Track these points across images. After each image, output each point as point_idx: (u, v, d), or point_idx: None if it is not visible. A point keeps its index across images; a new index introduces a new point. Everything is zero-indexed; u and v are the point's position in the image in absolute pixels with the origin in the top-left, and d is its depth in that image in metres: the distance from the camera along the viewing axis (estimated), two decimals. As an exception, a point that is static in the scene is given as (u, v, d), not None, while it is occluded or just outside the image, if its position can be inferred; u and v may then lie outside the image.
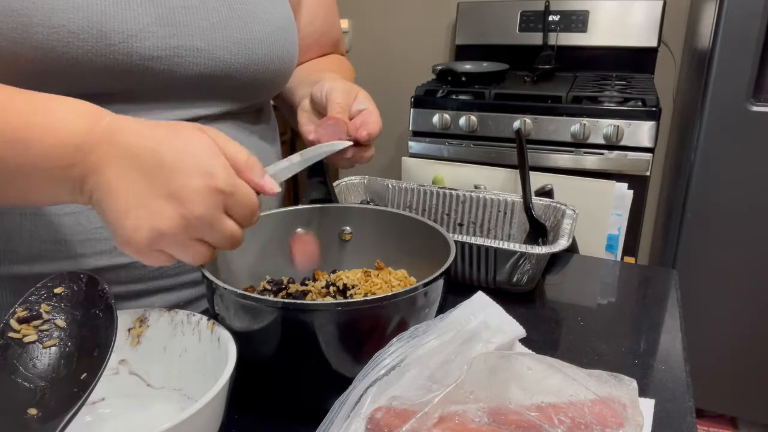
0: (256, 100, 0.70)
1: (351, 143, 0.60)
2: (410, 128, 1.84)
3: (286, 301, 0.47)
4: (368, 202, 0.92)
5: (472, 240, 0.72)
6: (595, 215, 0.93)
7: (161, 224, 0.42)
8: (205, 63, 0.60)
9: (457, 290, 0.57)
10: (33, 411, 0.40)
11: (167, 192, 0.42)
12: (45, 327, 0.44)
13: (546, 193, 0.94)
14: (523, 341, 0.51)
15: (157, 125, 0.44)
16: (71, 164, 0.43)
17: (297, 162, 0.54)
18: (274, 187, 0.47)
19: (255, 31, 0.63)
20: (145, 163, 0.42)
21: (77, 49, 0.52)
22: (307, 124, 0.66)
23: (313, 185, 0.68)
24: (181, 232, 0.43)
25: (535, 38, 2.08)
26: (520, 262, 0.71)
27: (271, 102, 0.79)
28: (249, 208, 0.45)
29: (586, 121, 1.62)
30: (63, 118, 0.44)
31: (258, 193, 0.47)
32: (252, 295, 0.47)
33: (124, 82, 0.56)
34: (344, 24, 2.43)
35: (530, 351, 0.52)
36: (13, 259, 0.60)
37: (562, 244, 0.71)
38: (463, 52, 2.21)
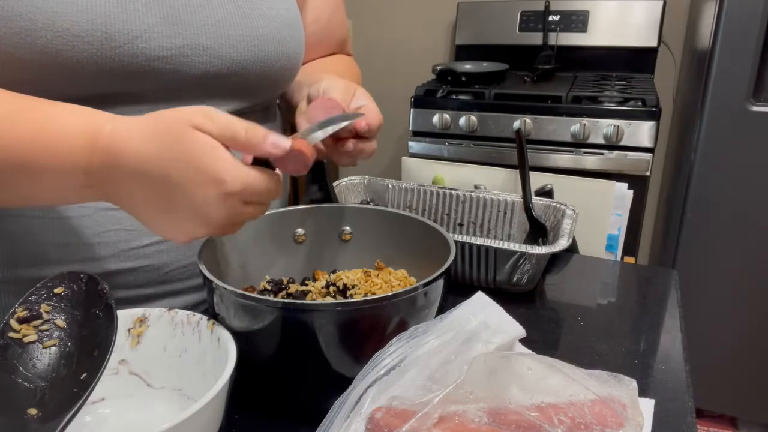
0: (262, 98, 0.70)
1: (364, 114, 0.58)
2: (410, 128, 1.84)
3: (286, 301, 0.47)
4: (368, 202, 0.92)
5: (472, 240, 0.72)
6: (595, 215, 0.93)
7: (191, 232, 0.45)
8: (211, 61, 0.60)
9: (457, 290, 0.57)
10: (33, 411, 0.40)
11: (186, 207, 0.43)
12: (45, 327, 0.44)
13: (546, 193, 0.94)
14: (523, 341, 0.51)
15: (150, 135, 0.43)
16: (86, 185, 0.46)
17: (316, 126, 0.50)
18: (281, 143, 0.44)
19: (261, 28, 0.63)
20: (155, 182, 0.43)
21: (82, 52, 0.52)
22: (303, 126, 0.64)
23: (313, 185, 0.68)
24: (211, 231, 0.45)
25: (535, 38, 2.07)
26: (520, 262, 0.71)
27: (277, 101, 0.79)
28: (265, 193, 0.45)
29: (586, 121, 1.62)
30: (65, 141, 0.45)
31: (268, 164, 0.45)
32: (252, 295, 0.47)
33: (129, 83, 0.56)
34: (345, 23, 2.42)
35: (530, 351, 0.52)
36: (19, 262, 0.59)
37: (562, 244, 0.71)
38: (463, 52, 2.21)
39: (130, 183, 0.44)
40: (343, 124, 0.54)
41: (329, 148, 0.61)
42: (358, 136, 0.60)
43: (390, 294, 0.46)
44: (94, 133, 0.44)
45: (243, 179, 0.43)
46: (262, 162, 0.45)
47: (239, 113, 0.66)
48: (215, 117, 0.43)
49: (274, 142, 0.44)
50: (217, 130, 0.43)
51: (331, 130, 0.51)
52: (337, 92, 0.62)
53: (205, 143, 0.42)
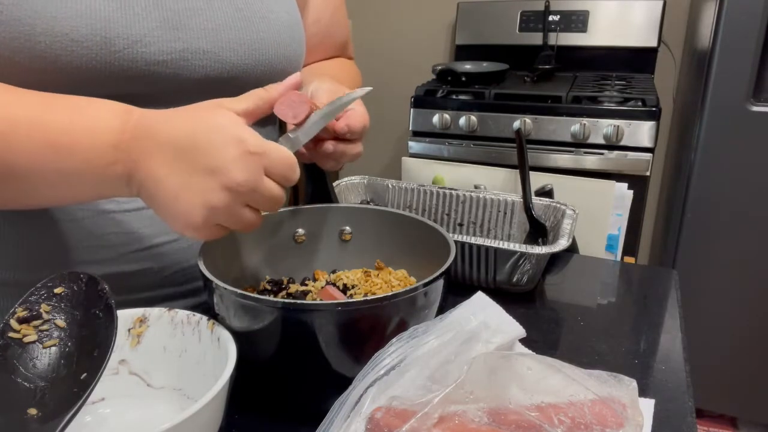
0: None
1: (367, 89, 0.57)
2: (410, 128, 1.84)
3: (286, 301, 0.47)
4: (368, 202, 0.92)
5: (472, 240, 0.72)
6: (595, 215, 0.93)
7: (211, 199, 0.45)
8: (211, 65, 0.59)
9: (457, 290, 0.57)
10: (33, 411, 0.40)
11: (208, 168, 0.44)
12: (45, 327, 0.44)
13: (546, 193, 0.94)
14: (523, 341, 0.51)
15: (180, 111, 0.47)
16: (113, 162, 0.47)
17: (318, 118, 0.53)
18: (294, 77, 0.51)
19: (261, 32, 0.62)
20: (181, 148, 0.45)
21: (81, 57, 0.51)
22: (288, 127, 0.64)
23: (313, 185, 0.68)
24: (230, 202, 0.45)
25: (535, 38, 2.07)
26: (520, 262, 0.71)
27: None
28: (285, 163, 0.47)
29: (586, 121, 1.62)
30: (97, 118, 0.47)
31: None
32: (252, 295, 0.47)
33: (130, 88, 0.56)
34: (345, 24, 2.42)
35: (530, 351, 0.52)
36: (18, 265, 0.59)
37: (562, 244, 0.71)
38: (463, 52, 2.21)
39: (157, 152, 0.45)
40: (353, 98, 0.54)
41: (311, 152, 0.60)
42: (338, 138, 0.59)
43: (390, 294, 0.46)
44: (126, 114, 0.48)
45: (264, 143, 0.46)
46: None
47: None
48: (238, 98, 0.49)
49: (287, 80, 0.51)
50: (242, 102, 0.48)
51: (340, 108, 0.54)
52: (323, 94, 0.61)
53: (231, 116, 0.46)
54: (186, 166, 0.45)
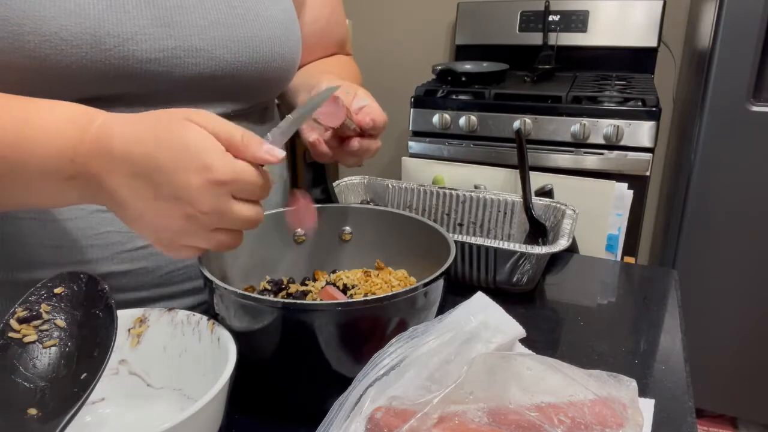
0: (259, 99, 0.69)
1: (342, 84, 0.57)
2: (410, 128, 1.84)
3: (286, 301, 0.47)
4: (368, 202, 0.92)
5: (472, 240, 0.72)
6: (595, 215, 0.93)
7: (172, 225, 0.43)
8: (204, 63, 0.59)
9: (457, 290, 0.57)
10: (33, 411, 0.40)
11: (170, 194, 0.42)
12: (45, 327, 0.44)
13: (546, 193, 0.94)
14: (523, 341, 0.51)
15: (145, 121, 0.43)
16: (71, 176, 0.44)
17: (293, 120, 0.48)
18: (276, 153, 0.44)
19: (256, 29, 0.62)
20: (142, 168, 0.42)
21: (71, 56, 0.51)
22: (307, 131, 0.61)
23: (313, 186, 0.68)
24: (194, 229, 0.43)
25: (535, 38, 2.07)
26: (520, 262, 0.71)
27: (276, 101, 0.78)
28: (255, 187, 0.44)
29: (586, 121, 1.62)
30: (53, 129, 0.44)
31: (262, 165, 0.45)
32: (252, 295, 0.47)
33: (120, 86, 0.55)
34: (344, 24, 2.42)
35: (530, 351, 0.52)
36: (13, 265, 0.59)
37: (562, 244, 0.71)
38: (463, 52, 2.21)
39: (117, 170, 0.42)
40: (322, 101, 0.51)
41: (335, 150, 0.60)
42: (363, 134, 0.60)
43: (390, 294, 0.46)
44: (85, 123, 0.44)
45: (233, 168, 0.42)
46: None
47: (236, 115, 0.66)
48: (212, 117, 0.43)
49: (269, 150, 0.44)
50: (212, 127, 0.42)
51: (308, 114, 0.50)
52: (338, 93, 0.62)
53: (198, 132, 0.42)
54: (147, 189, 0.42)
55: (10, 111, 0.46)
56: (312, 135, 0.60)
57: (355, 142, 0.59)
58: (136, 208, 0.43)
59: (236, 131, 0.43)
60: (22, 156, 0.44)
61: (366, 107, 0.60)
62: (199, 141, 0.41)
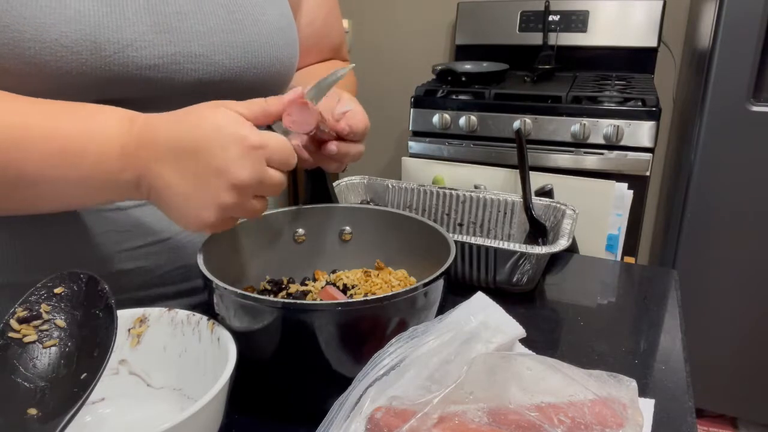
0: None
1: (353, 65, 0.61)
2: (410, 128, 1.84)
3: (286, 301, 0.47)
4: (368, 202, 0.92)
5: (472, 240, 0.72)
6: (595, 215, 0.93)
7: (223, 198, 0.46)
8: (203, 69, 0.59)
9: (457, 290, 0.57)
10: (33, 411, 0.40)
11: (214, 169, 0.46)
12: (45, 327, 0.44)
13: (546, 193, 0.94)
14: (523, 341, 0.51)
15: (182, 114, 0.48)
16: (122, 169, 0.48)
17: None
18: (294, 92, 0.51)
19: (254, 34, 0.62)
20: (184, 151, 0.46)
21: (71, 62, 0.51)
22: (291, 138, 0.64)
23: (313, 186, 0.68)
24: (240, 198, 0.47)
25: (535, 38, 2.07)
26: (520, 262, 0.71)
27: None
28: (285, 151, 0.49)
29: (586, 121, 1.62)
30: (105, 125, 0.48)
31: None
32: (252, 295, 0.47)
33: (121, 93, 0.56)
34: (344, 24, 2.42)
35: (530, 351, 0.52)
36: (12, 266, 0.59)
37: (562, 244, 0.71)
38: (463, 52, 2.21)
39: (163, 157, 0.47)
40: (338, 77, 0.56)
41: (314, 155, 0.60)
42: (341, 138, 0.59)
43: (390, 294, 0.46)
44: (129, 123, 0.49)
45: (263, 135, 0.47)
46: None
47: None
48: (236, 102, 0.49)
49: (288, 95, 0.51)
50: (237, 107, 0.48)
51: (326, 88, 0.55)
52: (328, 100, 0.61)
53: (229, 114, 0.47)
54: (192, 169, 0.46)
55: (67, 111, 0.49)
56: (293, 140, 0.60)
57: (333, 146, 0.59)
58: (184, 188, 0.47)
59: (256, 104, 0.50)
60: (80, 151, 0.48)
61: (349, 112, 0.60)
62: (229, 120, 0.47)
